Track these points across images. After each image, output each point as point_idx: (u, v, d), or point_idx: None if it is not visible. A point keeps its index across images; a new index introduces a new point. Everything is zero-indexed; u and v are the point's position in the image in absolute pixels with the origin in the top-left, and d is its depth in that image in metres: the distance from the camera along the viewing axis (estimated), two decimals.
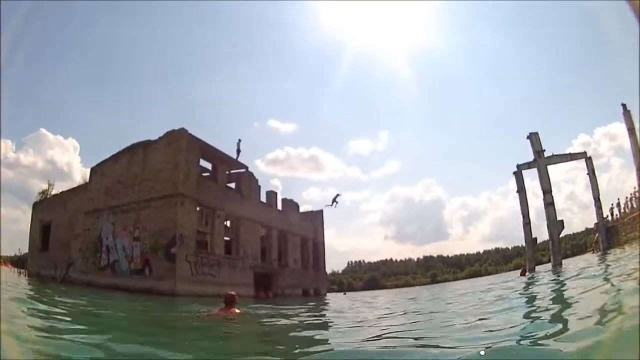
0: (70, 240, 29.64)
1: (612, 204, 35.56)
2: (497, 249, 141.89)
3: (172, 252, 23.47)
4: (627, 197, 33.78)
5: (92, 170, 31.12)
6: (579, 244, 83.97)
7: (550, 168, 33.93)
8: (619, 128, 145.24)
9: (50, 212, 33.16)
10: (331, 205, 45.17)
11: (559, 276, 15.60)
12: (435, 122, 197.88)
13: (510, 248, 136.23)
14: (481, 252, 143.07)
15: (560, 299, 6.97)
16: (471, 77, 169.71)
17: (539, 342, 3.15)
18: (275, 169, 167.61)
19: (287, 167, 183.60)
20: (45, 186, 47.64)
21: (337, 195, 46.28)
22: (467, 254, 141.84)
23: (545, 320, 4.39)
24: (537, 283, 14.65)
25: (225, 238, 29.39)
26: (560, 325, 3.62)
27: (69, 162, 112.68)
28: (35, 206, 36.29)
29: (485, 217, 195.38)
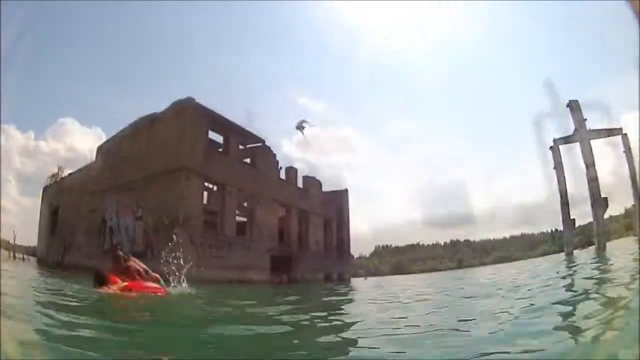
0: (76, 223, 29.43)
1: None
2: (522, 235, 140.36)
3: (175, 233, 22.13)
4: None
5: (98, 148, 30.94)
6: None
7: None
8: None
9: (58, 196, 33.34)
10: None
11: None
12: (464, 106, 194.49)
13: (536, 233, 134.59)
14: (507, 237, 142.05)
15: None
16: (499, 61, 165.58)
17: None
18: (304, 150, 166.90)
19: (315, 148, 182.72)
20: (55, 170, 47.81)
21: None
22: (493, 239, 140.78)
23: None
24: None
25: (240, 218, 28.01)
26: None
27: (92, 148, 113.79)
28: (45, 190, 36.50)
29: (511, 202, 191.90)
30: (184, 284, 12.01)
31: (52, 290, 9.21)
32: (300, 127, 37.78)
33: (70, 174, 34.92)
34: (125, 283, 8.11)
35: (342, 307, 9.52)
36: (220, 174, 25.99)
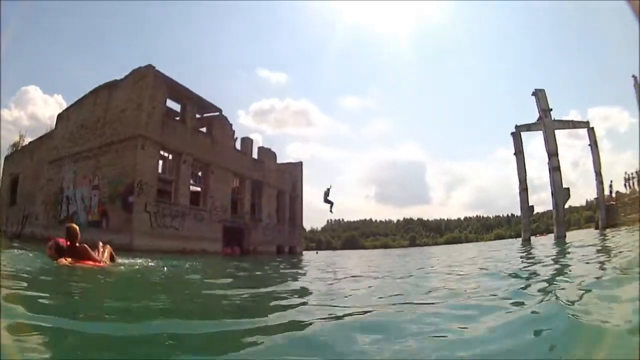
0: (35, 193, 29.00)
1: (610, 181, 35.44)
2: (477, 217, 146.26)
3: (129, 201, 22.36)
4: (628, 175, 33.19)
5: (59, 116, 30.01)
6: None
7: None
8: (614, 112, 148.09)
9: (19, 165, 32.44)
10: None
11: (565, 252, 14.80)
12: (427, 86, 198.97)
13: (492, 217, 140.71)
14: (462, 218, 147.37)
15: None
16: (467, 44, 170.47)
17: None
18: (258, 120, 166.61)
19: (272, 120, 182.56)
20: (17, 138, 46.60)
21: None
22: (448, 220, 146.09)
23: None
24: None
25: (194, 188, 28.14)
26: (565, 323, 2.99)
27: (53, 116, 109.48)
28: (6, 159, 35.47)
29: (468, 184, 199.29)
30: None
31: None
32: (327, 199, 34.92)
33: (30, 142, 34.01)
34: (71, 260, 7.94)
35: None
36: (176, 143, 25.84)
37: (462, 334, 2.96)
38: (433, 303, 4.36)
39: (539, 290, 4.66)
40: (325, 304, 4.70)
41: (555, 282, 5.46)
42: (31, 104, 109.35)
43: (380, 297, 5.19)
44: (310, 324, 3.28)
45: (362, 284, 7.32)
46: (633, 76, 30.93)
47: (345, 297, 5.51)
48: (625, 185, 33.37)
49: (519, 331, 2.84)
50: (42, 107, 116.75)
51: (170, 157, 26.92)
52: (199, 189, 29.15)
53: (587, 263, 8.33)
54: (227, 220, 30.40)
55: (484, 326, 3.10)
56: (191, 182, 27.86)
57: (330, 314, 3.72)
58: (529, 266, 9.51)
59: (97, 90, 26.89)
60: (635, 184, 32.38)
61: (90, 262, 8.16)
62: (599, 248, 12.92)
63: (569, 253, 12.86)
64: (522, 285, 5.44)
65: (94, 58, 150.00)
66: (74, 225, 8.62)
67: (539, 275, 6.98)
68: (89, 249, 8.45)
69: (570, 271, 7.29)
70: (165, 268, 10.40)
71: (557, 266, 8.82)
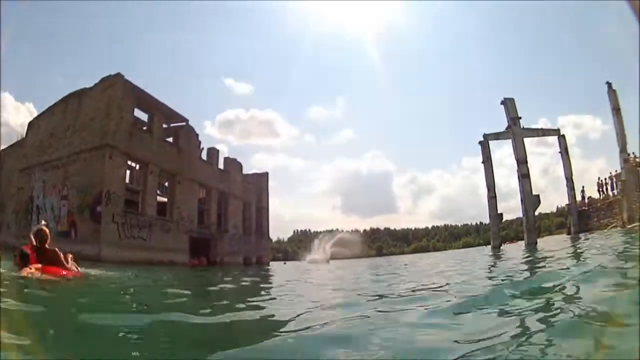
0: (5, 202, 28.50)
1: (582, 187, 36.40)
2: (445, 226, 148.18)
3: (97, 211, 22.17)
4: (601, 181, 34.02)
5: (29, 124, 29.57)
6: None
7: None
8: (585, 119, 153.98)
9: None
10: None
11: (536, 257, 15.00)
12: (394, 96, 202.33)
13: (460, 225, 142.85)
14: (429, 227, 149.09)
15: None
16: (434, 53, 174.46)
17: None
18: (224, 131, 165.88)
19: (237, 131, 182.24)
20: None
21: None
22: (415, 229, 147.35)
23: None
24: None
25: (160, 199, 28.08)
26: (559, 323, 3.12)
27: (24, 123, 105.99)
28: None
29: (435, 193, 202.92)
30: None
31: None
32: None
33: (1, 150, 32.93)
34: (40, 265, 7.61)
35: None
36: (143, 152, 25.79)
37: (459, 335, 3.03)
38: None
39: (532, 293, 4.56)
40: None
41: (547, 283, 5.20)
42: (4, 110, 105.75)
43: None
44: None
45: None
46: (607, 83, 31.92)
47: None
48: (598, 190, 33.96)
49: (518, 331, 2.93)
50: (13, 115, 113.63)
51: (138, 167, 26.86)
52: (165, 199, 29.04)
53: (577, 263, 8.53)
54: (193, 231, 30.35)
55: (483, 326, 3.16)
56: (158, 192, 27.82)
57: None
58: (512, 269, 9.66)
59: (67, 98, 26.71)
60: (609, 189, 32.96)
61: (58, 273, 7.78)
62: (580, 251, 13.20)
63: (549, 257, 12.36)
64: (513, 288, 5.18)
65: (65, 65, 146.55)
66: (45, 228, 8.40)
67: (527, 277, 7.19)
68: (59, 252, 8.23)
69: (559, 271, 6.91)
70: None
71: (546, 269, 8.85)
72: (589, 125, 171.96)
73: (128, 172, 26.81)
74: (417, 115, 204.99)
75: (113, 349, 2.91)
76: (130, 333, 3.37)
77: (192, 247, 29.69)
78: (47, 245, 8.18)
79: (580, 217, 33.91)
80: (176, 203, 28.88)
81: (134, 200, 25.63)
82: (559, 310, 3.44)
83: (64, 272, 7.95)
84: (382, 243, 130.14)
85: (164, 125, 29.60)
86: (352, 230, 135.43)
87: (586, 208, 34.36)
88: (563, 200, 35.47)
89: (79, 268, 9.02)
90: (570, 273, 5.92)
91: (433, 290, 6.47)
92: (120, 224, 23.14)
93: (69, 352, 2.73)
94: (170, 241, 27.25)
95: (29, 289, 6.12)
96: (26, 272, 7.21)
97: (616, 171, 31.63)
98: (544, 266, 9.36)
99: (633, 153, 29.59)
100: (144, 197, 25.98)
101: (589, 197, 35.12)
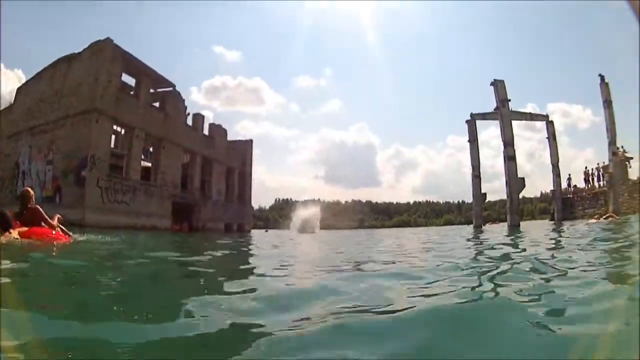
0: None
1: (569, 175, 37.23)
2: (427, 202, 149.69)
3: (82, 176, 22.31)
4: (588, 171, 34.63)
5: (18, 90, 29.30)
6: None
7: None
8: (575, 108, 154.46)
9: None
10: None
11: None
12: (384, 70, 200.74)
13: (442, 202, 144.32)
14: (411, 203, 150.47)
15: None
16: (429, 31, 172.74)
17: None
18: (210, 97, 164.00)
19: (223, 97, 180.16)
20: None
21: None
22: (397, 203, 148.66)
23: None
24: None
25: (145, 163, 28.24)
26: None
27: (12, 90, 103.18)
28: None
29: (419, 169, 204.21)
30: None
31: None
32: None
33: None
34: (26, 228, 7.32)
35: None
36: (130, 117, 25.83)
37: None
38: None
39: (530, 285, 3.77)
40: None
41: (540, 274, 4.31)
42: None
43: None
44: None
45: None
46: (600, 75, 32.38)
47: None
48: (585, 180, 34.59)
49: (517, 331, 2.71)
50: (3, 82, 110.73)
51: (123, 131, 26.92)
52: (149, 164, 29.29)
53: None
54: (177, 196, 30.74)
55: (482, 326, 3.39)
56: (142, 157, 28.00)
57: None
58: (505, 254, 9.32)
59: (56, 64, 26.42)
60: (595, 180, 33.61)
61: (46, 235, 7.50)
62: (567, 237, 12.64)
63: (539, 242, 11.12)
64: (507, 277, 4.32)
65: (54, 32, 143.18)
66: (29, 189, 8.18)
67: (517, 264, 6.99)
68: (41, 209, 7.83)
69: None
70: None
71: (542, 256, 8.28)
72: (579, 115, 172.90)
73: (113, 136, 26.83)
74: (406, 90, 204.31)
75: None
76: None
77: (175, 212, 30.13)
78: (31, 205, 7.86)
79: (564, 204, 34.56)
80: (160, 168, 29.13)
81: (119, 165, 25.84)
82: None
83: (52, 233, 7.69)
84: (364, 215, 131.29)
85: (151, 90, 29.50)
86: (334, 201, 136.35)
87: (571, 196, 35.00)
88: (547, 186, 35.91)
89: (70, 234, 8.59)
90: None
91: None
92: (104, 188, 23.45)
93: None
94: (153, 206, 27.66)
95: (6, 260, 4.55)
96: (6, 237, 6.81)
97: (604, 163, 32.35)
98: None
99: (622, 146, 30.28)
100: (128, 161, 26.21)
101: (575, 186, 35.82)
